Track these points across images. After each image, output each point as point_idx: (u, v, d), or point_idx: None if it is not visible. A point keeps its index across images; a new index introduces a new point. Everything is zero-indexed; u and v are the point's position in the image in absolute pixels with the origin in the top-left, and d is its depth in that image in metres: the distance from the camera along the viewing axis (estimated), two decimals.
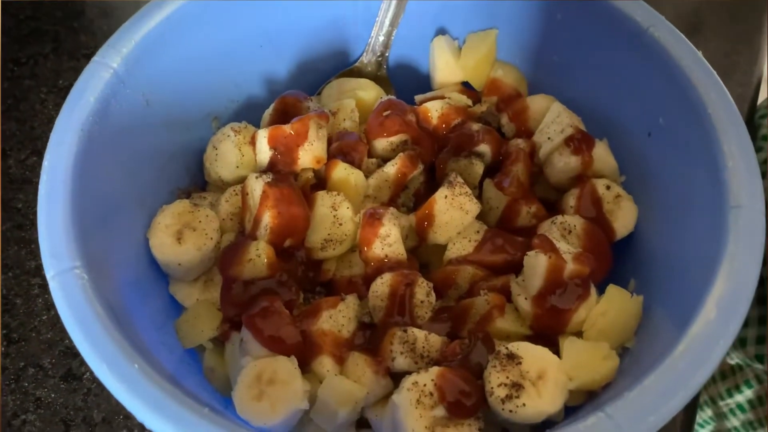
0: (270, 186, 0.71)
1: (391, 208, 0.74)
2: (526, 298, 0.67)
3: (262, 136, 0.76)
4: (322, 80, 0.91)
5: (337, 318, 0.69)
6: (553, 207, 0.82)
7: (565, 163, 0.78)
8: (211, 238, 0.73)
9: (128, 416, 0.50)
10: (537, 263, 0.66)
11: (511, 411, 0.60)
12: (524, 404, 0.60)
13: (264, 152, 0.76)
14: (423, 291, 0.69)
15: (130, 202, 0.73)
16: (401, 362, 0.65)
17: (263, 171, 0.75)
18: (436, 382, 0.61)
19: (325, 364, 0.67)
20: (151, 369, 0.54)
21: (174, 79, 0.78)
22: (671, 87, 0.72)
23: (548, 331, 0.67)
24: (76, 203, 0.62)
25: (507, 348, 0.62)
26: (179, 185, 0.82)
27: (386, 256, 0.72)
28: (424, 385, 0.61)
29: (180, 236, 0.73)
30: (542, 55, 0.87)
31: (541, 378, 0.61)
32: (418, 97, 0.90)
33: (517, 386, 0.60)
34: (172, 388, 0.53)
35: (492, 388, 0.61)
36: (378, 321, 0.70)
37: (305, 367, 0.67)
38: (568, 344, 0.64)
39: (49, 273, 0.58)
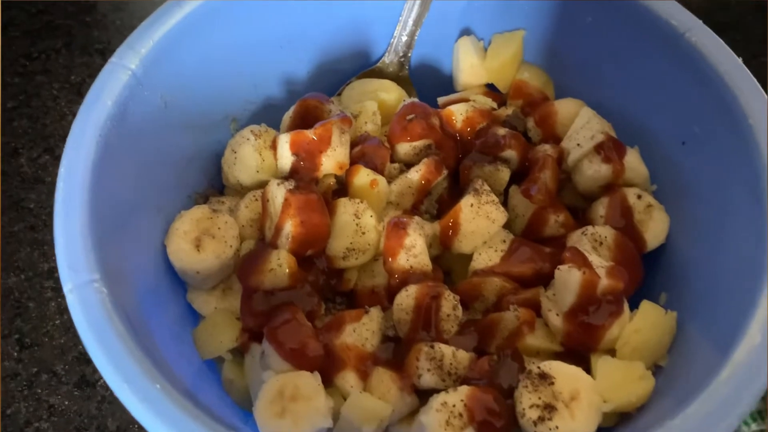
0: (292, 194, 0.69)
1: (416, 217, 0.72)
2: (557, 314, 0.65)
3: (284, 141, 0.73)
4: (342, 81, 0.89)
5: (361, 331, 0.67)
6: (579, 215, 0.79)
7: (596, 171, 0.76)
8: (231, 246, 0.71)
9: (143, 427, 0.48)
10: (570, 279, 0.64)
11: None
12: (557, 427, 0.58)
13: (286, 158, 0.74)
14: (450, 304, 0.67)
15: (148, 208, 0.71)
16: (428, 379, 0.63)
17: (285, 177, 0.73)
18: (466, 403, 0.59)
19: (348, 379, 0.65)
20: (173, 388, 0.52)
21: (192, 80, 0.76)
22: (708, 94, 0.69)
23: (580, 348, 0.65)
24: (93, 211, 0.60)
25: (539, 367, 0.60)
26: (197, 189, 0.80)
27: (411, 267, 0.69)
28: (454, 405, 0.59)
29: (199, 243, 0.71)
30: (570, 57, 0.85)
31: (574, 399, 0.59)
32: (441, 100, 0.88)
33: (549, 408, 0.58)
34: (195, 410, 0.51)
35: (524, 409, 0.59)
36: (403, 335, 0.67)
37: (328, 382, 0.65)
38: (601, 364, 0.61)
39: (67, 286, 0.56)
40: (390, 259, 0.70)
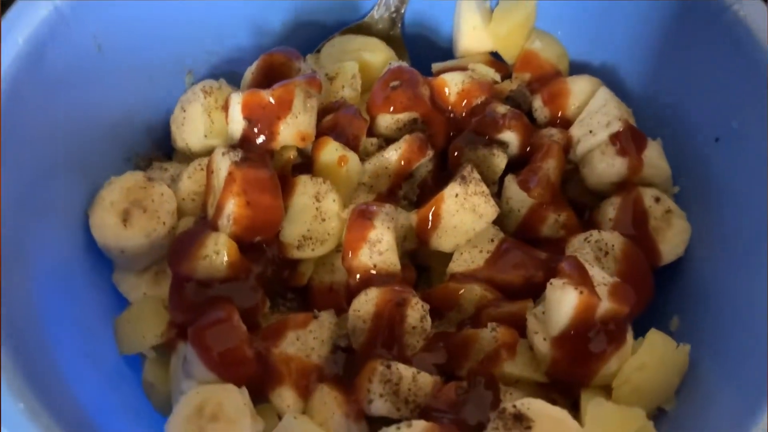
0: (239, 167, 0.57)
1: (387, 206, 0.60)
2: (544, 339, 0.54)
3: (236, 102, 0.61)
4: (322, 36, 0.76)
5: (307, 340, 0.56)
6: (584, 214, 0.67)
7: (609, 165, 0.64)
8: (164, 223, 0.60)
9: None
10: (563, 298, 0.52)
11: None
12: None
13: (237, 122, 0.62)
14: (417, 315, 0.56)
15: (69, 171, 0.60)
16: (379, 406, 0.52)
17: (233, 146, 0.61)
18: None
19: (285, 397, 0.54)
20: (42, 409, 0.41)
21: (138, 22, 0.64)
22: (754, 83, 0.57)
23: (569, 381, 0.53)
24: None
25: (514, 406, 0.49)
26: (138, 150, 0.68)
27: (375, 265, 0.58)
28: None
29: (127, 217, 0.60)
30: (590, 27, 0.72)
31: None
32: (435, 66, 0.75)
33: None
34: None
35: None
36: (357, 346, 0.56)
37: (262, 396, 0.54)
38: (593, 408, 0.50)
39: None
40: (350, 254, 0.58)
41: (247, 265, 0.58)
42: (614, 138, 0.64)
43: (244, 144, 0.61)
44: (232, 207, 0.57)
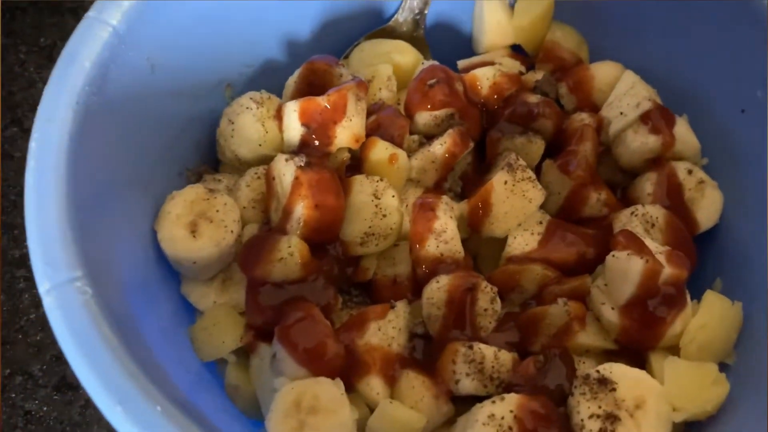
0: (304, 171, 0.60)
1: (445, 197, 0.63)
2: (612, 308, 0.57)
3: (292, 110, 0.64)
4: (349, 42, 0.79)
5: (387, 329, 0.58)
6: (616, 193, 0.71)
7: (642, 143, 0.67)
8: (232, 231, 0.62)
9: None
10: (630, 268, 0.55)
11: None
12: None
13: (294, 129, 0.64)
14: (487, 297, 0.59)
15: (134, 187, 0.62)
16: (467, 385, 0.55)
17: (293, 152, 0.63)
18: (516, 414, 0.51)
19: (374, 385, 0.56)
20: (176, 409, 0.43)
21: (182, 39, 0.66)
22: None
23: (638, 346, 0.57)
24: (72, 194, 0.51)
25: (598, 371, 0.52)
26: (188, 165, 0.70)
27: (442, 254, 0.61)
28: (502, 417, 0.50)
29: (195, 229, 0.61)
30: (607, 14, 0.75)
31: (639, 408, 0.51)
32: (461, 63, 0.78)
33: (612, 418, 0.51)
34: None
35: (582, 420, 0.51)
36: (434, 332, 0.59)
37: (349, 388, 0.56)
38: (669, 366, 0.54)
39: (44, 286, 0.46)
40: (417, 246, 0.61)
41: (317, 265, 0.61)
42: (645, 117, 0.67)
43: (302, 149, 0.64)
44: (301, 210, 0.59)
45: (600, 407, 0.51)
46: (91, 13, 0.58)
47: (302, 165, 0.60)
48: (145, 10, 0.60)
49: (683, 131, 0.68)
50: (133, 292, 0.56)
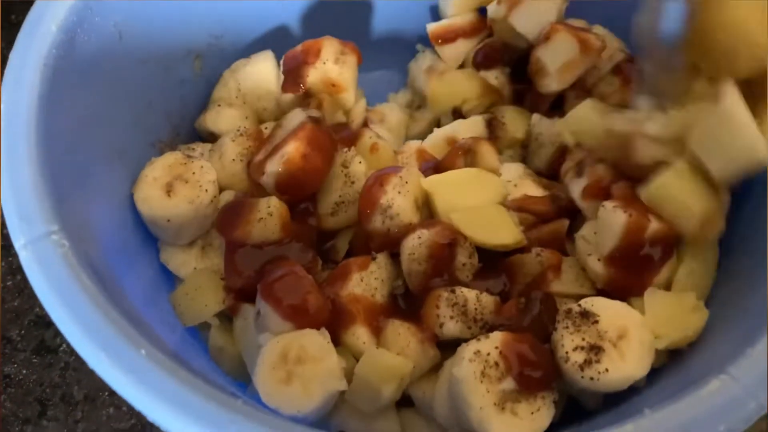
0: (312, 121, 0.61)
1: (412, 170, 0.62)
2: (598, 259, 0.57)
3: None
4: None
5: (370, 280, 0.58)
6: None
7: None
8: (206, 190, 0.62)
9: (114, 392, 0.39)
10: (614, 220, 0.54)
11: (592, 378, 0.50)
12: (607, 369, 0.50)
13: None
14: (466, 252, 0.58)
15: (108, 153, 0.61)
16: (452, 328, 0.55)
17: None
18: (501, 350, 0.51)
19: (360, 335, 0.56)
20: (162, 355, 0.43)
21: (149, 8, 0.65)
22: None
23: (622, 294, 0.56)
24: (44, 152, 0.51)
25: (580, 305, 0.53)
26: (161, 137, 0.69)
27: (389, 230, 0.59)
28: (488, 354, 0.51)
29: (170, 188, 0.61)
30: None
31: (622, 338, 0.51)
32: (430, 27, 0.78)
33: (596, 349, 0.51)
34: (193, 378, 0.42)
35: (567, 353, 0.51)
36: (414, 287, 0.59)
37: (336, 341, 0.56)
38: (649, 297, 0.54)
39: (19, 241, 0.46)
40: (363, 222, 0.60)
41: (296, 228, 0.61)
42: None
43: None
44: (290, 148, 0.59)
45: (584, 339, 0.51)
46: None
47: (313, 116, 0.61)
48: None
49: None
50: (113, 254, 0.55)
